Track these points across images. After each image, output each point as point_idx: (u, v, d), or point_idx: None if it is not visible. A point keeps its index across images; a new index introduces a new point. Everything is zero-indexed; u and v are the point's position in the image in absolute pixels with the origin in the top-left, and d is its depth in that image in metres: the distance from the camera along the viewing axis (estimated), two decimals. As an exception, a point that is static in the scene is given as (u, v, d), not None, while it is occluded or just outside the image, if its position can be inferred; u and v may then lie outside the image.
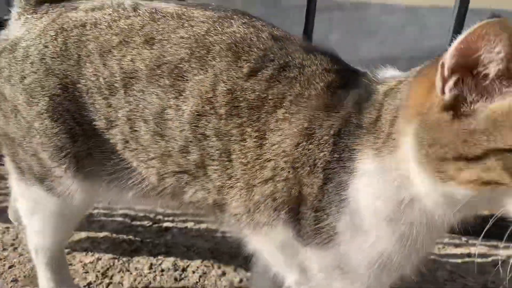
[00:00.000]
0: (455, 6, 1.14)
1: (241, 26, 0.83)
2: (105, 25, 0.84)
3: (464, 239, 1.60)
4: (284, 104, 0.78)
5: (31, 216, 1.05)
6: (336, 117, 0.76)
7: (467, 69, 0.59)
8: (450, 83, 0.60)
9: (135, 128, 0.84)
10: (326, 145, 0.76)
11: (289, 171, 0.78)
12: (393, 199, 0.71)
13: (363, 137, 0.72)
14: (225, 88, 0.79)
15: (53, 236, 1.07)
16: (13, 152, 0.94)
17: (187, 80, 0.79)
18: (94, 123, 0.86)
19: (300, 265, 0.84)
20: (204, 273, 1.34)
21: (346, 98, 0.78)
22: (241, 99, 0.79)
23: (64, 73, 0.85)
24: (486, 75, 0.59)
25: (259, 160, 0.80)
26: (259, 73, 0.79)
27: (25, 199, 1.03)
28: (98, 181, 0.92)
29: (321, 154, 0.76)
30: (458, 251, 1.54)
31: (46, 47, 0.87)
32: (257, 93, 0.79)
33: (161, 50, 0.81)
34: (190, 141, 0.82)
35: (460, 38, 0.57)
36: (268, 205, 0.81)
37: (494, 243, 1.54)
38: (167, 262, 1.36)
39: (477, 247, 1.51)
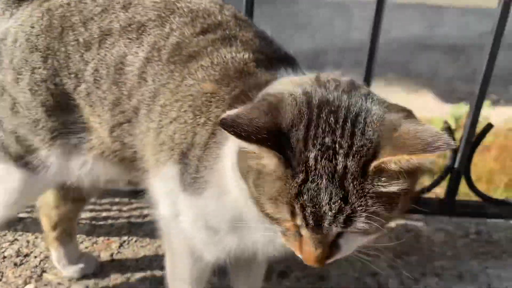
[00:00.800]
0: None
1: (209, 2, 0.93)
2: (89, 0, 0.93)
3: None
4: (210, 57, 0.85)
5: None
6: (243, 83, 0.82)
7: None
8: None
9: (97, 78, 0.91)
10: (223, 103, 0.81)
11: (189, 115, 0.83)
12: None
13: None
14: (175, 40, 0.88)
15: (6, 208, 1.05)
16: None
17: (149, 34, 0.89)
18: (65, 87, 0.92)
19: (174, 204, 0.88)
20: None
21: (260, 75, 0.83)
22: (183, 49, 0.87)
23: (47, 46, 0.92)
24: None
25: (171, 100, 0.85)
26: (207, 34, 0.88)
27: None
28: (67, 149, 0.96)
29: (216, 110, 0.81)
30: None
31: (32, 27, 0.94)
32: (198, 47, 0.87)
33: (134, 12, 0.91)
34: (135, 86, 0.89)
35: None
36: (167, 145, 0.85)
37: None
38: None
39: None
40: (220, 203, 0.81)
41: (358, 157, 0.62)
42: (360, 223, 0.62)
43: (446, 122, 1.26)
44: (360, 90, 0.70)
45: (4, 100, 0.95)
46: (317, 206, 0.62)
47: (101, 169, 0.98)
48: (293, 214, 0.64)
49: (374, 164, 0.61)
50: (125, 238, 1.38)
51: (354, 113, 0.65)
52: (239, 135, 0.61)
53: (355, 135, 0.63)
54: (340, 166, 0.62)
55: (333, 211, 0.62)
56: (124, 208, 1.51)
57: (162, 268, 1.06)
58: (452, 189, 1.30)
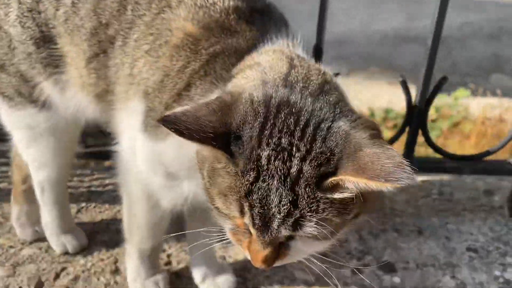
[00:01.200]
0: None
1: None
2: None
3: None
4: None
5: (29, 147, 1.04)
6: (223, 42, 0.79)
7: None
8: None
9: (75, 1, 0.89)
10: (200, 59, 0.78)
11: (164, 52, 0.80)
12: None
13: (226, 77, 0.76)
14: None
15: (55, 161, 1.06)
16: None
17: None
18: (47, 13, 0.92)
19: (134, 141, 0.87)
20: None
21: (241, 34, 0.80)
22: None
23: None
24: None
25: (145, 33, 0.83)
26: None
27: (19, 129, 1.03)
28: (61, 84, 0.96)
29: (193, 63, 0.78)
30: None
31: None
32: None
33: None
34: (114, 15, 0.87)
35: None
36: (137, 79, 0.84)
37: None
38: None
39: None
40: (180, 151, 0.79)
41: (315, 163, 0.61)
42: (309, 228, 0.61)
43: (402, 76, 1.26)
44: (330, 97, 0.68)
45: (2, 38, 0.95)
46: (266, 207, 0.62)
47: (86, 105, 0.97)
48: (242, 212, 0.64)
49: (331, 179, 0.60)
50: (83, 204, 1.36)
51: (317, 119, 0.64)
52: (181, 133, 0.60)
53: (315, 141, 0.62)
54: (294, 169, 0.61)
55: (282, 214, 0.61)
56: (86, 179, 1.50)
57: (119, 231, 1.06)
58: (410, 145, 1.31)
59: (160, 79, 0.81)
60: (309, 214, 0.61)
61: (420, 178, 1.64)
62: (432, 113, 4.43)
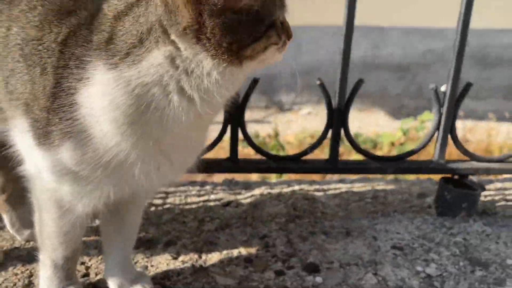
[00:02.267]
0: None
1: None
2: None
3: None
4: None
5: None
6: (65, 25, 0.78)
7: None
8: None
9: None
10: (54, 52, 0.77)
11: (22, 65, 0.80)
12: (134, 105, 0.73)
13: (94, 52, 0.74)
14: None
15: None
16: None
17: None
18: None
19: (34, 161, 0.84)
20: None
21: (84, 7, 0.79)
22: None
23: None
24: None
25: (5, 52, 0.82)
26: None
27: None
28: None
29: (49, 60, 0.77)
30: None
31: None
32: None
33: None
34: None
35: None
36: (14, 96, 0.82)
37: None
38: None
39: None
40: (88, 150, 0.78)
41: None
42: None
43: (319, 79, 1.30)
44: None
45: None
46: None
47: None
48: None
49: None
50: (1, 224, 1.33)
51: None
52: None
53: None
54: None
55: None
56: None
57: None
58: (334, 147, 1.33)
59: (31, 89, 0.80)
60: None
61: (357, 184, 1.66)
62: (399, 136, 4.52)
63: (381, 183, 1.66)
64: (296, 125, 5.32)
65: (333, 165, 1.34)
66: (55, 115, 0.76)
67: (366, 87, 1.30)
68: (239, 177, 1.73)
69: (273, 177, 2.09)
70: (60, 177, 0.82)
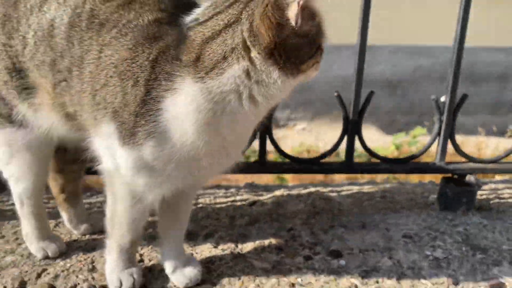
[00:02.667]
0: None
1: None
2: None
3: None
4: (118, 26, 0.98)
5: (9, 163, 1.19)
6: (155, 47, 0.94)
7: None
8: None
9: (36, 41, 1.05)
10: (146, 68, 0.93)
11: (116, 80, 0.95)
12: (213, 110, 0.91)
13: (183, 68, 0.91)
14: (89, 7, 1.01)
15: (31, 175, 1.20)
16: None
17: None
18: (17, 48, 1.07)
19: (114, 159, 1.01)
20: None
21: (167, 33, 0.95)
22: (96, 17, 1.00)
23: (4, 13, 1.09)
24: None
25: (97, 70, 0.98)
26: (113, 1, 1.01)
27: (0, 146, 1.17)
28: (34, 107, 1.12)
29: (142, 74, 0.93)
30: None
31: None
32: (106, 14, 0.99)
33: None
34: (64, 49, 1.02)
35: None
36: (102, 105, 0.98)
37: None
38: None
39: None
40: (167, 147, 0.93)
41: None
42: None
43: (336, 91, 1.49)
44: None
45: None
46: None
47: (57, 124, 1.12)
48: None
49: None
50: (61, 219, 1.49)
51: None
52: None
53: None
54: None
55: None
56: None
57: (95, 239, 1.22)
58: (349, 152, 1.52)
59: (122, 98, 0.95)
60: None
61: (366, 186, 1.85)
62: (392, 150, 4.72)
63: (388, 186, 1.85)
64: (292, 140, 5.52)
65: (349, 166, 1.53)
66: (142, 118, 0.93)
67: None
68: (258, 180, 1.91)
69: (288, 181, 2.28)
70: (138, 171, 0.99)
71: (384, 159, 1.55)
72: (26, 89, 1.11)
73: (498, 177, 2.05)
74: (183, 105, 0.91)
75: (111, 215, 1.12)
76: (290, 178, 2.59)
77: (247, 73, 0.87)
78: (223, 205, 1.64)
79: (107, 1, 1.01)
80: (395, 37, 5.75)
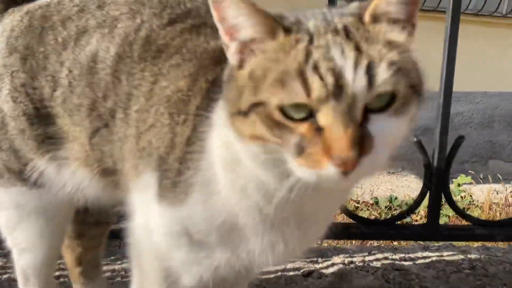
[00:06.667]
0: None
1: None
2: (67, 1, 0.92)
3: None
4: (181, 52, 0.81)
5: (15, 228, 0.96)
6: (216, 70, 0.77)
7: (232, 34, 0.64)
8: (233, 49, 0.64)
9: (71, 80, 0.87)
10: (202, 91, 0.76)
11: (165, 117, 0.77)
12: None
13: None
14: (144, 33, 0.84)
15: (42, 244, 0.97)
16: None
17: (121, 27, 0.86)
18: (43, 92, 0.89)
19: (148, 219, 0.79)
20: None
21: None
22: (152, 43, 0.83)
23: (26, 47, 0.90)
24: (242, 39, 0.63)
25: (146, 106, 0.80)
26: (175, 24, 0.84)
27: (6, 209, 0.96)
28: (58, 161, 0.91)
29: (195, 101, 0.76)
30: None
31: (12, 30, 0.92)
32: (166, 39, 0.83)
33: (108, 9, 0.89)
34: (109, 87, 0.84)
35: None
36: (146, 152, 0.78)
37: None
38: None
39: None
40: (208, 207, 0.72)
41: (351, 15, 0.62)
42: (383, 73, 0.56)
43: (416, 136, 1.20)
44: None
45: None
46: (331, 61, 0.57)
47: (88, 182, 0.91)
48: (305, 85, 0.56)
49: (368, 11, 0.61)
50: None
51: None
52: None
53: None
54: (340, 26, 0.60)
55: (351, 60, 0.56)
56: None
57: None
58: (434, 210, 1.20)
59: (170, 141, 0.76)
60: (375, 55, 0.57)
61: (446, 253, 1.50)
62: (436, 199, 4.35)
63: (472, 251, 1.50)
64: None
65: (435, 231, 1.20)
66: (185, 164, 0.73)
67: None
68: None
69: (347, 243, 1.94)
70: (176, 239, 0.75)
71: (480, 222, 1.22)
72: (50, 139, 0.90)
73: None
74: (215, 142, 0.71)
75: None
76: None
77: None
78: (272, 276, 1.32)
79: (168, 25, 0.84)
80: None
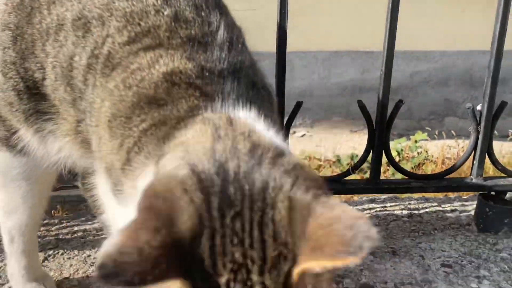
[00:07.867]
0: None
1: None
2: None
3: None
4: (124, 74, 0.77)
5: (0, 191, 1.02)
6: (148, 119, 0.73)
7: None
8: None
9: (56, 77, 0.88)
10: (134, 137, 0.74)
11: (106, 137, 0.79)
12: None
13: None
14: (106, 50, 0.81)
15: (26, 207, 1.03)
16: None
17: (92, 34, 0.83)
18: (34, 76, 0.90)
19: (113, 211, 0.85)
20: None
21: (166, 111, 0.73)
22: (110, 61, 0.80)
23: (16, 25, 0.90)
24: None
25: (97, 123, 0.82)
26: (132, 44, 0.79)
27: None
28: (43, 134, 0.95)
29: (127, 141, 0.75)
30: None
31: (6, 5, 0.91)
32: (118, 60, 0.79)
33: (84, 5, 0.85)
34: (82, 92, 0.85)
35: None
36: (99, 156, 0.84)
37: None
38: None
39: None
40: None
41: (275, 272, 0.52)
42: None
43: (360, 101, 1.32)
44: (263, 163, 0.57)
45: None
46: None
47: (72, 152, 0.95)
48: None
49: (296, 273, 0.52)
50: (50, 252, 1.30)
51: (258, 210, 0.54)
52: (131, 284, 0.46)
53: (266, 243, 0.53)
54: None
55: None
56: (53, 228, 1.44)
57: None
58: (375, 168, 1.35)
59: (111, 158, 0.79)
60: None
61: (389, 204, 1.68)
62: (394, 155, 4.58)
63: (412, 202, 1.68)
64: (293, 147, 5.37)
65: (376, 185, 1.36)
66: (123, 182, 0.76)
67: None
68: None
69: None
70: None
71: (415, 176, 1.38)
72: (39, 113, 0.93)
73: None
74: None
75: None
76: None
77: None
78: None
79: (126, 44, 0.79)
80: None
